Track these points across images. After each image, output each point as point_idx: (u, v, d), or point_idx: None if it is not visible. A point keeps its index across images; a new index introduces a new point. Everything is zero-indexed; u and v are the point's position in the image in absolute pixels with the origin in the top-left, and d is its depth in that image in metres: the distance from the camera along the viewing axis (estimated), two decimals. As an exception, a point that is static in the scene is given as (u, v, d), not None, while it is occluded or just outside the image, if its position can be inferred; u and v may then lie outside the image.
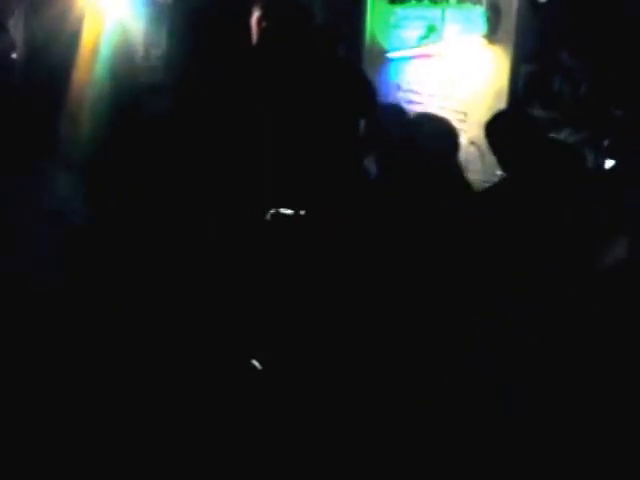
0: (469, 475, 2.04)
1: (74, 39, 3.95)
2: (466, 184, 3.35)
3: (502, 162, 3.45)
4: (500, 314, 2.18)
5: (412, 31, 4.61)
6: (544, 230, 2.76)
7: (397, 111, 4.03)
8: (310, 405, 2.71)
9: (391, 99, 4.55)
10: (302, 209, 3.34)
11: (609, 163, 4.24)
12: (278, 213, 3.33)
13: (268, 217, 3.31)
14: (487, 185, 3.80)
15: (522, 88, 4.51)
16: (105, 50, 3.98)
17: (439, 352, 2.35)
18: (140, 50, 4.11)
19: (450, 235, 2.77)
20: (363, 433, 2.55)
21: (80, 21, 3.98)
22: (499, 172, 4.05)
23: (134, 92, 3.94)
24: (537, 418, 1.90)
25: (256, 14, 3.65)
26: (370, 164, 3.77)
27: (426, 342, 2.46)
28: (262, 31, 3.63)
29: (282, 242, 3.22)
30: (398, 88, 4.69)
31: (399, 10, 4.64)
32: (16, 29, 4.46)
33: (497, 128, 3.42)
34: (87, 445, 2.67)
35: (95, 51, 3.96)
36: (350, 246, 2.94)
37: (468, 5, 4.42)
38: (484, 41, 4.42)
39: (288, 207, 3.34)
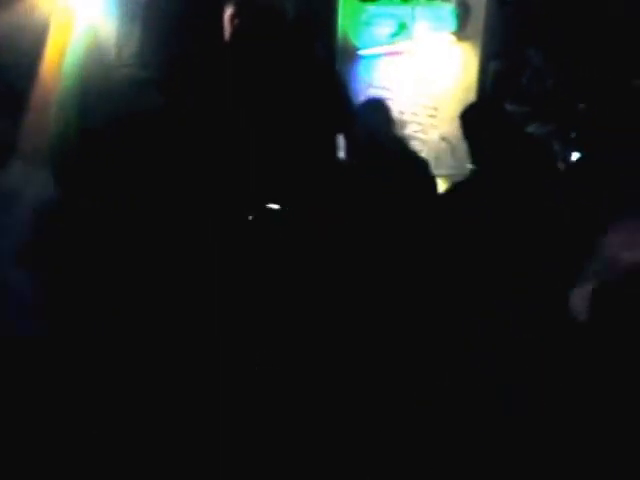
0: (469, 475, 1.91)
1: (44, 38, 3.72)
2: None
3: (475, 152, 3.33)
4: (500, 314, 2.05)
5: (383, 29, 4.50)
6: (526, 223, 2.64)
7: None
8: (308, 406, 2.58)
9: (363, 96, 4.41)
10: (280, 204, 3.20)
11: (575, 155, 4.18)
12: (263, 209, 3.18)
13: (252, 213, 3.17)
14: (459, 179, 3.71)
15: (491, 84, 4.42)
16: (75, 49, 3.77)
17: (439, 352, 2.23)
18: (112, 48, 3.89)
19: (434, 231, 2.67)
20: (363, 433, 2.43)
21: (50, 20, 3.76)
22: (470, 166, 3.95)
23: (105, 90, 3.73)
24: (537, 418, 1.77)
25: (228, 12, 3.47)
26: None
27: (426, 342, 2.35)
28: (235, 29, 3.45)
29: (267, 237, 3.07)
30: (370, 85, 4.56)
31: (370, 8, 4.52)
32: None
33: (472, 117, 3.31)
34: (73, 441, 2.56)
35: (65, 50, 3.74)
36: (339, 242, 2.81)
37: (438, 3, 4.34)
38: (453, 38, 4.35)
39: (266, 202, 3.20)
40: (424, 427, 2.20)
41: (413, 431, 2.27)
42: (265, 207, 3.23)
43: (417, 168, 3.51)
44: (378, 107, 3.55)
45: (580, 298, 1.98)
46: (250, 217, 3.19)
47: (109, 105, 3.65)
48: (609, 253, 2.02)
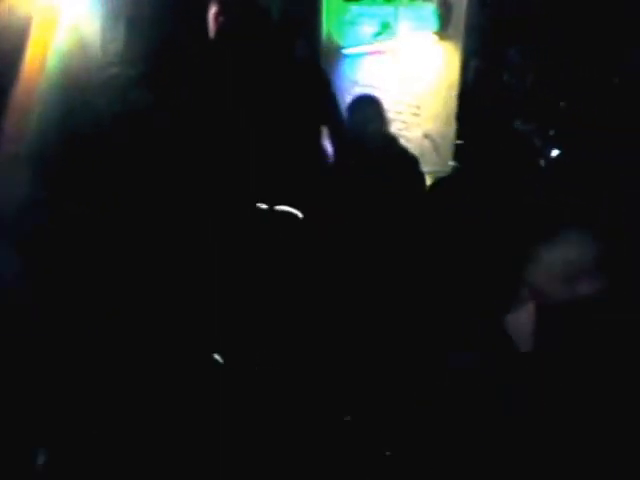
0: (469, 475, 1.87)
1: (26, 37, 3.65)
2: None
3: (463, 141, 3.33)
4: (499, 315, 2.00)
5: (366, 28, 4.48)
6: (507, 219, 2.62)
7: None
8: (307, 406, 2.54)
9: (348, 94, 4.39)
10: (268, 203, 3.16)
11: (555, 152, 4.19)
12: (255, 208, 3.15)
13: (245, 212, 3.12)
14: (441, 176, 3.71)
15: (472, 82, 4.41)
16: (59, 48, 3.69)
17: (439, 352, 2.19)
18: (97, 47, 3.82)
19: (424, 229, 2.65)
20: (362, 433, 2.39)
21: (32, 18, 3.68)
22: (452, 163, 3.95)
23: (92, 90, 3.67)
24: (537, 418, 1.73)
25: (213, 9, 3.43)
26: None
27: (426, 342, 2.32)
28: (219, 27, 3.42)
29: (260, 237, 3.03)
30: (354, 84, 4.53)
31: (354, 7, 4.50)
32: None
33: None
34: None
35: (48, 50, 3.67)
36: (327, 239, 2.78)
37: (420, 3, 4.32)
38: (436, 37, 4.35)
39: (254, 201, 3.16)
40: (423, 427, 2.15)
41: (412, 431, 2.23)
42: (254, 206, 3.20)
43: (406, 164, 3.49)
44: (369, 103, 3.53)
45: (519, 322, 1.89)
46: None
47: (98, 104, 3.59)
48: (538, 283, 1.89)
